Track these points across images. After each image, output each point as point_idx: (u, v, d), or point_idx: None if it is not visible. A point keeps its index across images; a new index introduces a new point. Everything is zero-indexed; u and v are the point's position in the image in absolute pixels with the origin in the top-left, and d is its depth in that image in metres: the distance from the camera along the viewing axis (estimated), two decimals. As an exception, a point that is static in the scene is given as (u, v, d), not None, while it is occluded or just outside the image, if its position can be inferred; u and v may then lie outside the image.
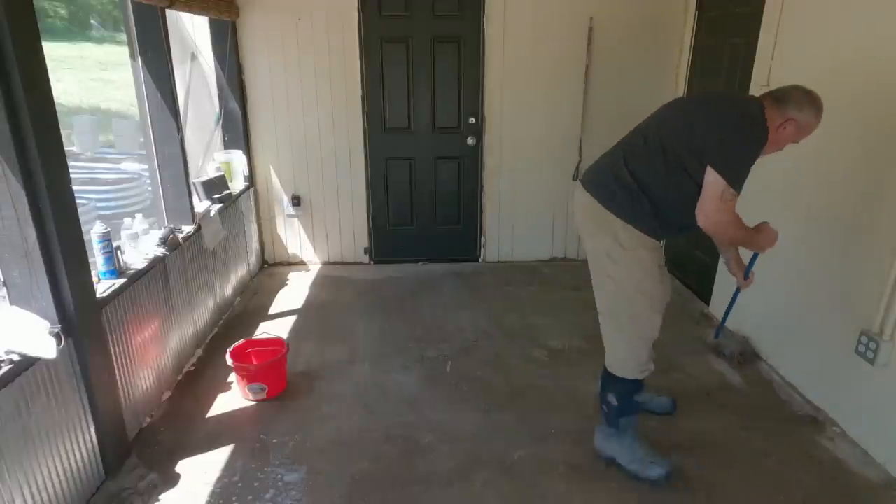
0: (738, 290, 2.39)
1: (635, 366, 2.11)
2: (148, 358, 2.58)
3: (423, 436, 2.47)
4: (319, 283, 4.12)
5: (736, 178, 1.83)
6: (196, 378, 2.91)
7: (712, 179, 1.82)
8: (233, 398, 2.73)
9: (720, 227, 1.92)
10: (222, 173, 3.69)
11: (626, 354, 2.11)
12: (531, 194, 4.33)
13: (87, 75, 7.56)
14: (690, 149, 1.87)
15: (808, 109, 1.89)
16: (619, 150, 2.07)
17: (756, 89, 3.00)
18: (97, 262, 2.32)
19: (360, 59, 3.98)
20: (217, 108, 3.92)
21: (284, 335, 3.21)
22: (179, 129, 2.95)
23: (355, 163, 4.22)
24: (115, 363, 2.26)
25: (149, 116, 2.88)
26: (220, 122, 3.94)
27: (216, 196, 3.46)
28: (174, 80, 2.89)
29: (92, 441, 2.10)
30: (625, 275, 2.02)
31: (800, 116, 1.89)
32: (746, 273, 2.28)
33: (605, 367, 2.19)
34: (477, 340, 3.29)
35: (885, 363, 2.21)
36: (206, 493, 2.14)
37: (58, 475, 1.92)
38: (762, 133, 1.85)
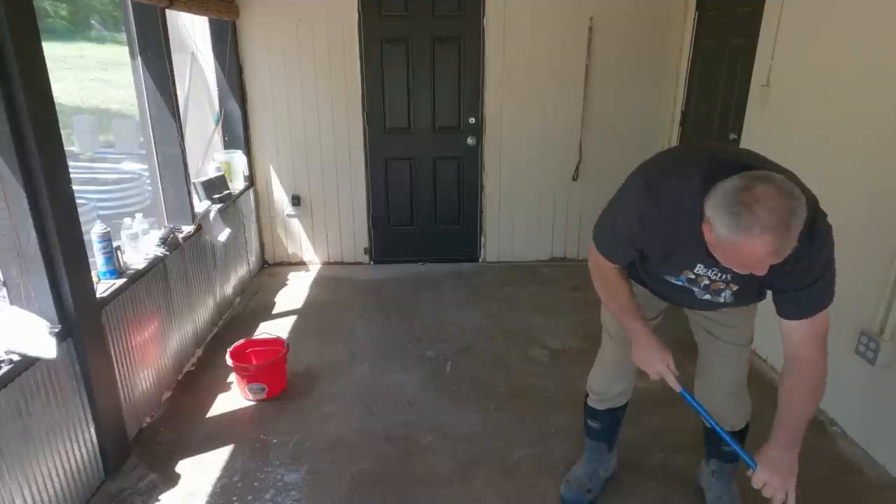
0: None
1: (589, 384, 2.06)
2: (148, 358, 2.58)
3: (423, 436, 2.47)
4: (319, 283, 4.12)
5: (600, 236, 1.58)
6: (196, 378, 2.91)
7: None
8: (233, 398, 2.73)
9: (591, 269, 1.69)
10: (222, 173, 3.68)
11: (593, 367, 2.06)
12: (531, 194, 4.33)
13: (87, 75, 7.54)
14: None
15: (719, 214, 1.21)
16: None
17: (756, 89, 3.01)
18: (97, 262, 2.32)
19: (360, 59, 3.97)
20: (217, 108, 3.92)
21: (284, 335, 3.21)
22: (179, 129, 2.95)
23: (355, 163, 4.22)
24: (115, 363, 2.26)
25: (149, 116, 2.88)
26: (220, 122, 3.94)
27: (216, 196, 3.46)
28: (174, 80, 2.89)
29: (92, 441, 2.10)
30: None
31: (712, 219, 1.24)
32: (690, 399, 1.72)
33: None
34: (477, 340, 3.29)
35: (885, 363, 2.21)
36: (206, 493, 2.14)
37: (58, 475, 1.92)
38: (640, 203, 1.42)
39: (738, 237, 1.19)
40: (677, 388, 1.67)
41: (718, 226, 1.22)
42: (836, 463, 2.31)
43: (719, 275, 1.49)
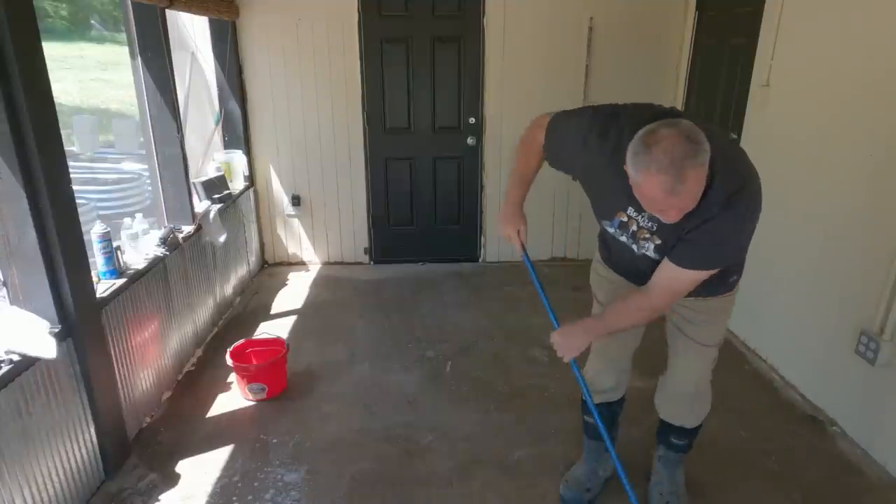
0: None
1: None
2: (148, 358, 2.58)
3: (423, 436, 2.47)
4: (319, 283, 4.12)
5: (555, 123, 1.70)
6: (196, 378, 2.91)
7: None
8: (233, 398, 2.73)
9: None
10: (222, 173, 3.69)
11: (587, 360, 2.05)
12: (531, 194, 4.27)
13: (87, 75, 7.54)
14: None
15: (629, 154, 1.31)
16: None
17: (756, 89, 3.01)
18: (97, 262, 2.32)
19: (360, 59, 3.97)
20: (217, 108, 3.92)
21: (284, 335, 3.20)
22: (179, 129, 2.95)
23: (355, 163, 4.22)
24: (115, 363, 2.26)
25: (149, 116, 2.88)
26: (220, 122, 3.94)
27: (216, 196, 3.46)
28: (174, 80, 2.89)
29: (92, 441, 2.10)
30: None
31: (629, 164, 1.32)
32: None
33: None
34: (477, 340, 3.29)
35: (885, 363, 2.21)
36: (206, 493, 2.14)
37: (58, 475, 1.92)
38: (581, 126, 1.56)
39: (638, 175, 1.29)
40: (520, 252, 1.98)
41: (628, 165, 1.32)
42: (836, 463, 2.31)
43: (647, 223, 1.53)
